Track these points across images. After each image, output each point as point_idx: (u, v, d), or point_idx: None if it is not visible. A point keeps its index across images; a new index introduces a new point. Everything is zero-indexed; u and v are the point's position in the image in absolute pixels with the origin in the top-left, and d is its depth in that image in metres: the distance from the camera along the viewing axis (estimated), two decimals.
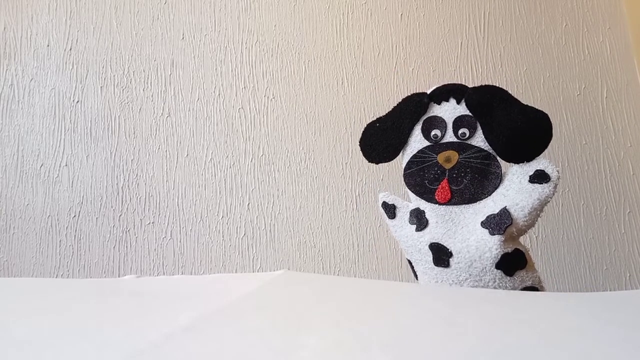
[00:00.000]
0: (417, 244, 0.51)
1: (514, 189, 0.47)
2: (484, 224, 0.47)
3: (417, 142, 0.53)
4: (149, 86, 0.95)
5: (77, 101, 0.95)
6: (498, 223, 0.46)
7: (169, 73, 0.95)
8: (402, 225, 0.53)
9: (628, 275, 0.80)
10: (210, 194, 0.90)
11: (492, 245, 0.45)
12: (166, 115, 0.93)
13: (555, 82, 0.88)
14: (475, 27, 0.91)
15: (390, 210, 0.55)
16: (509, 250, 0.46)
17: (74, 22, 0.98)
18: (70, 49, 0.97)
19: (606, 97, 0.86)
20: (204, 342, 0.21)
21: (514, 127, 0.47)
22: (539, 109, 0.47)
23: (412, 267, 0.54)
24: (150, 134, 0.93)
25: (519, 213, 0.46)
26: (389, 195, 0.56)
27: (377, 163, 0.56)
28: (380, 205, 0.56)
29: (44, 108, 0.95)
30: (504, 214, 0.46)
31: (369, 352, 0.20)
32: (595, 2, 0.90)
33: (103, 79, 0.96)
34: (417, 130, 0.52)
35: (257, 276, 0.40)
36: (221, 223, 0.88)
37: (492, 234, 0.46)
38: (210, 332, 0.22)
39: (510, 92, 0.50)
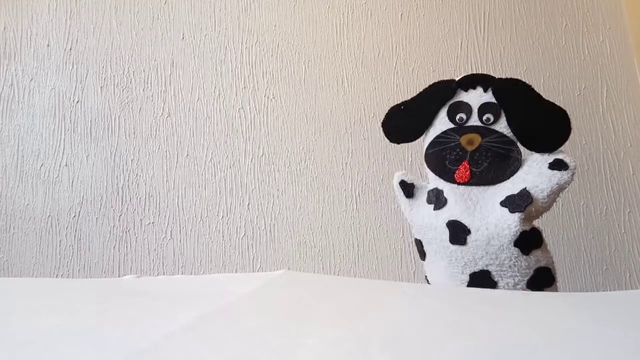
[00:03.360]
0: (433, 222, 0.52)
1: (534, 173, 0.49)
2: (502, 203, 0.49)
3: (441, 124, 0.54)
4: (149, 86, 0.95)
5: (77, 101, 0.95)
6: (519, 201, 0.48)
7: (169, 73, 0.95)
8: (419, 204, 0.55)
9: (628, 275, 0.80)
10: (210, 194, 0.90)
11: (511, 223, 0.47)
12: (166, 115, 0.93)
13: (555, 82, 0.88)
14: (475, 27, 0.91)
15: (408, 188, 0.56)
16: (527, 228, 0.48)
17: (74, 22, 0.98)
18: (70, 49, 0.97)
19: (606, 97, 0.86)
20: (204, 342, 0.21)
21: (536, 121, 0.51)
22: (558, 105, 0.50)
23: (421, 247, 0.54)
24: (150, 134, 0.93)
25: (538, 194, 0.48)
26: (408, 175, 0.57)
27: (398, 143, 0.61)
28: (397, 183, 0.57)
29: (44, 108, 0.95)
30: (525, 193, 0.48)
31: (369, 352, 0.20)
32: (595, 2, 0.90)
33: (103, 79, 0.96)
34: (443, 113, 0.54)
35: (257, 276, 0.40)
36: (221, 223, 0.88)
37: (512, 211, 0.48)
38: (210, 332, 0.22)
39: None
